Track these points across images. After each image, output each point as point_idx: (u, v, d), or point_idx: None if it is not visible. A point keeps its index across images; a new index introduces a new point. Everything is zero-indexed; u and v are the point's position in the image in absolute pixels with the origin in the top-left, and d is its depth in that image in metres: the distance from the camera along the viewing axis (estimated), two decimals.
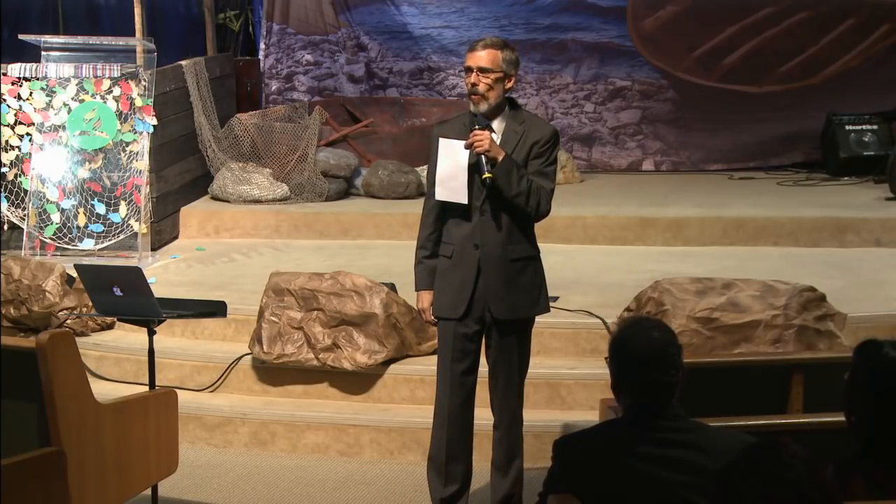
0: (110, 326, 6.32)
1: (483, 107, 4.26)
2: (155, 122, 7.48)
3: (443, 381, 4.40)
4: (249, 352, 5.83)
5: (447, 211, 4.36)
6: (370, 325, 5.61)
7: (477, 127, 4.21)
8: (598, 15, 10.37)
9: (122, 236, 7.44)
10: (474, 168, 4.22)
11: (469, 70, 4.27)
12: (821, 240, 7.71)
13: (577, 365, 5.69)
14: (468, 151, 4.21)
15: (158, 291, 4.70)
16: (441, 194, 4.31)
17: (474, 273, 4.30)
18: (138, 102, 7.42)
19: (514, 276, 4.32)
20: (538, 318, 4.51)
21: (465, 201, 4.25)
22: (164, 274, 7.20)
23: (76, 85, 7.42)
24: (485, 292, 4.30)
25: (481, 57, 4.25)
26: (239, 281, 6.89)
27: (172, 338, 6.11)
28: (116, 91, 7.41)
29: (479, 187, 4.25)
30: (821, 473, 2.30)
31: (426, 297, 4.42)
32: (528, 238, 4.38)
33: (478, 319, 4.34)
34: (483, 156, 4.17)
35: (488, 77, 4.24)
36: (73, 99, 7.41)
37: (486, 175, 4.17)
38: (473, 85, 4.25)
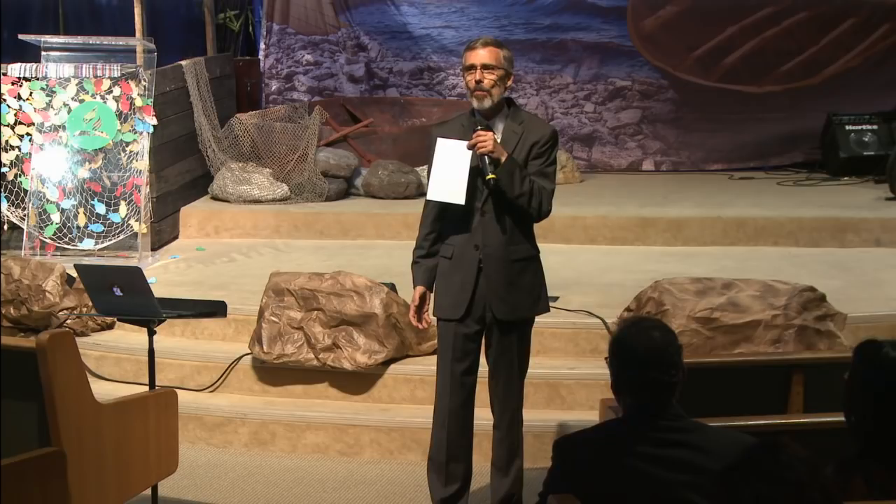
0: (110, 326, 6.32)
1: (487, 103, 4.26)
2: (155, 122, 7.48)
3: (443, 381, 4.40)
4: (249, 352, 5.83)
5: (447, 212, 4.35)
6: (370, 325, 5.61)
7: (479, 128, 4.20)
8: (598, 15, 10.37)
9: (122, 236, 7.44)
10: (477, 169, 4.22)
11: (472, 68, 4.26)
12: (821, 240, 7.70)
13: (577, 365, 5.69)
14: (469, 152, 4.21)
15: (158, 291, 4.70)
16: (436, 195, 4.29)
17: (475, 274, 4.30)
18: (138, 102, 7.42)
19: (515, 276, 4.33)
20: (538, 318, 4.52)
21: (463, 202, 4.24)
22: (164, 274, 7.20)
23: (76, 85, 7.42)
24: (486, 293, 4.30)
25: (484, 54, 4.26)
26: (239, 281, 6.89)
27: (172, 338, 6.11)
28: (116, 91, 7.41)
29: (480, 188, 4.25)
30: (821, 474, 2.30)
31: (418, 293, 4.43)
32: (529, 238, 4.38)
33: (478, 319, 4.34)
34: (486, 157, 4.17)
35: (493, 73, 4.25)
36: (73, 99, 7.41)
37: (490, 176, 4.17)
38: (478, 82, 4.24)
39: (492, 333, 4.37)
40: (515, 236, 4.32)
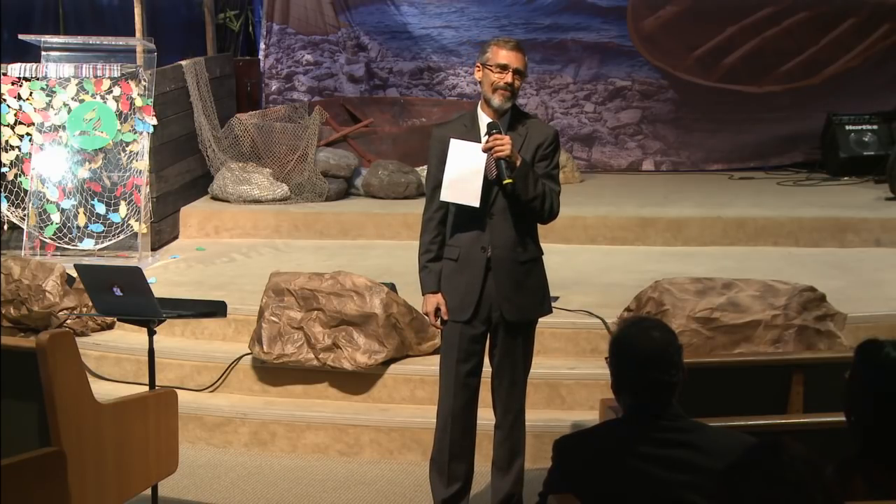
0: (110, 326, 6.32)
1: (508, 104, 4.27)
2: (155, 122, 7.48)
3: (447, 382, 4.39)
4: (249, 352, 5.83)
5: (452, 214, 4.35)
6: (370, 325, 5.61)
7: (495, 131, 4.19)
8: (598, 15, 10.38)
9: (122, 236, 7.44)
10: (494, 173, 4.20)
11: (505, 68, 4.23)
12: (821, 240, 7.71)
13: (577, 365, 5.69)
14: (484, 155, 4.20)
15: (158, 291, 4.70)
16: (449, 196, 4.27)
17: (482, 275, 4.29)
18: (138, 102, 7.42)
19: (522, 277, 4.33)
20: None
21: (477, 204, 4.22)
22: (164, 274, 7.20)
23: (76, 85, 7.42)
24: (494, 294, 4.30)
25: (519, 58, 4.26)
26: (239, 281, 6.89)
27: (172, 338, 6.11)
28: (116, 91, 7.42)
29: (489, 190, 4.24)
30: (822, 473, 2.30)
31: (432, 301, 4.39)
32: (535, 239, 4.39)
33: (484, 320, 4.34)
34: (503, 161, 4.16)
35: (520, 79, 4.27)
36: (73, 99, 7.41)
37: (507, 181, 4.16)
38: (509, 84, 4.23)
39: (497, 334, 4.37)
40: (523, 237, 4.32)
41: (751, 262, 7.20)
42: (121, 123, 7.41)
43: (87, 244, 7.41)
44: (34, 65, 7.46)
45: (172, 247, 8.05)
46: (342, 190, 8.85)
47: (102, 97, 7.41)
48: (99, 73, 7.40)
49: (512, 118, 4.33)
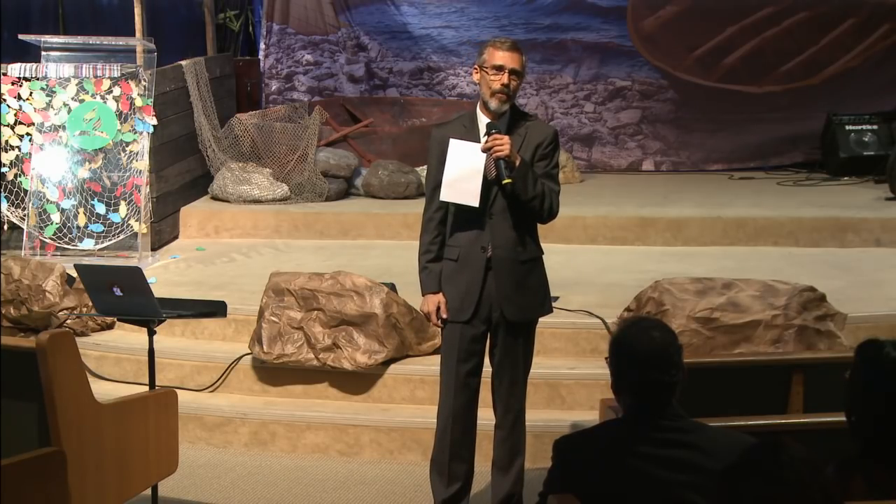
0: (110, 326, 6.32)
1: (506, 106, 4.27)
2: (155, 122, 7.48)
3: (447, 382, 4.39)
4: (249, 352, 5.83)
5: (452, 214, 4.35)
6: (370, 325, 5.61)
7: (494, 131, 4.19)
8: (598, 15, 10.38)
9: (122, 236, 7.44)
10: (494, 173, 4.20)
11: (500, 69, 4.23)
12: (821, 240, 7.71)
13: (577, 365, 5.69)
14: (484, 155, 4.20)
15: (158, 291, 4.70)
16: (448, 196, 4.27)
17: (482, 275, 4.29)
18: (138, 102, 7.42)
19: (523, 277, 4.33)
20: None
21: (477, 204, 4.22)
22: (164, 274, 7.20)
23: (76, 85, 7.42)
24: (494, 294, 4.30)
25: (514, 58, 4.25)
26: (239, 281, 6.89)
27: (172, 338, 6.11)
28: (116, 91, 7.41)
29: (488, 190, 4.24)
30: (822, 474, 2.30)
31: (432, 301, 4.39)
32: (535, 239, 4.39)
33: (484, 320, 4.34)
34: (502, 160, 4.16)
35: (517, 80, 4.26)
36: (73, 99, 7.41)
37: (507, 181, 4.16)
38: (505, 85, 4.23)
39: (497, 334, 4.37)
40: (523, 237, 4.32)
41: (751, 262, 7.20)
42: (121, 123, 7.41)
43: (87, 244, 7.41)
44: (34, 65, 7.46)
45: (172, 247, 8.05)
46: (342, 190, 8.85)
47: (102, 97, 7.41)
48: (99, 73, 7.39)
49: (511, 118, 4.33)
